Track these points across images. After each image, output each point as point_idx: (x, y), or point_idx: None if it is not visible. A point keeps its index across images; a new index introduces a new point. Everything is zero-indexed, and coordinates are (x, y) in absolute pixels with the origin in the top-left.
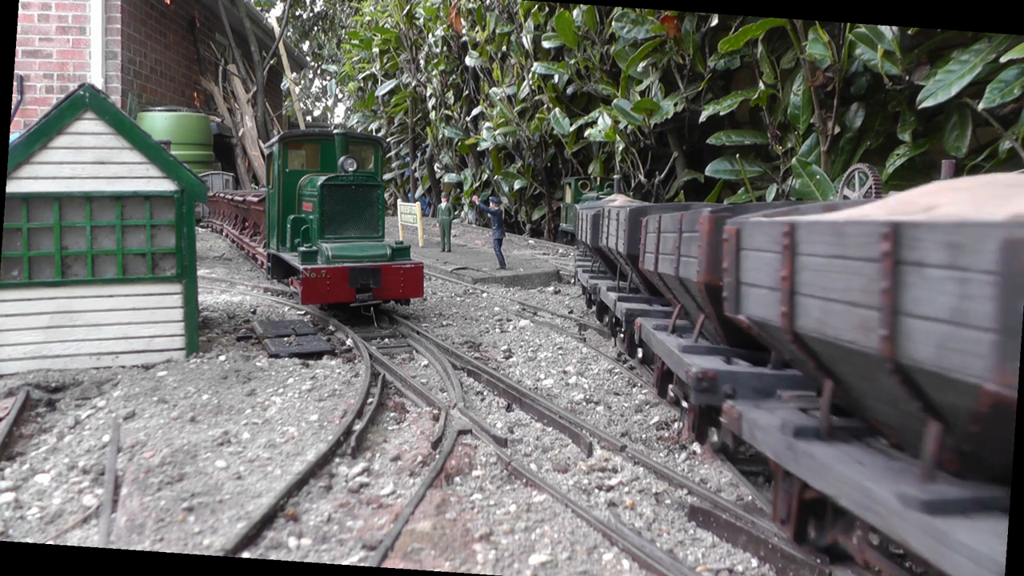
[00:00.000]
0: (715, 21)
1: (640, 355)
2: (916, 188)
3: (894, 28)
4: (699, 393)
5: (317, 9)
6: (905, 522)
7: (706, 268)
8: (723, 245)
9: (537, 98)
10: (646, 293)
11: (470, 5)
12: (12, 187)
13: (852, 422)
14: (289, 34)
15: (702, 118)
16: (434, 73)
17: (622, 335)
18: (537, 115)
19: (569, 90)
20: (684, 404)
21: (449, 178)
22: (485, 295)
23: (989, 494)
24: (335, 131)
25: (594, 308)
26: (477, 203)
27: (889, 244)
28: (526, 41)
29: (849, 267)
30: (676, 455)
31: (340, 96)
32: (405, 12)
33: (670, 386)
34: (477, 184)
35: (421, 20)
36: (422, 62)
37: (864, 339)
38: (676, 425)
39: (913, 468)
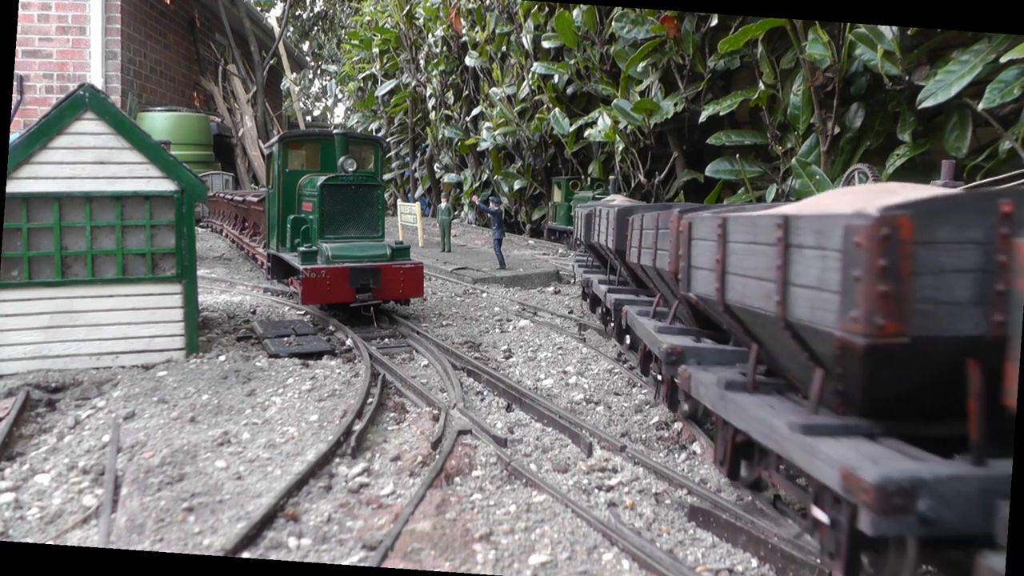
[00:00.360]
0: (715, 21)
1: (628, 341)
2: (823, 192)
3: (894, 28)
4: (669, 366)
5: (317, 9)
6: (790, 443)
7: (674, 258)
8: (680, 236)
9: (537, 98)
10: (633, 285)
11: (470, 5)
12: (12, 187)
13: (774, 379)
14: (289, 34)
15: (702, 118)
16: (434, 73)
17: (613, 324)
18: (537, 115)
19: (569, 90)
20: (659, 377)
21: (449, 178)
22: (485, 295)
23: (855, 423)
24: (335, 131)
25: (588, 300)
26: (477, 203)
27: (782, 232)
28: (526, 41)
29: (758, 250)
30: (676, 455)
31: (340, 96)
32: (405, 12)
33: (651, 364)
34: (477, 184)
35: (421, 20)
36: (422, 62)
37: (768, 305)
38: (676, 425)
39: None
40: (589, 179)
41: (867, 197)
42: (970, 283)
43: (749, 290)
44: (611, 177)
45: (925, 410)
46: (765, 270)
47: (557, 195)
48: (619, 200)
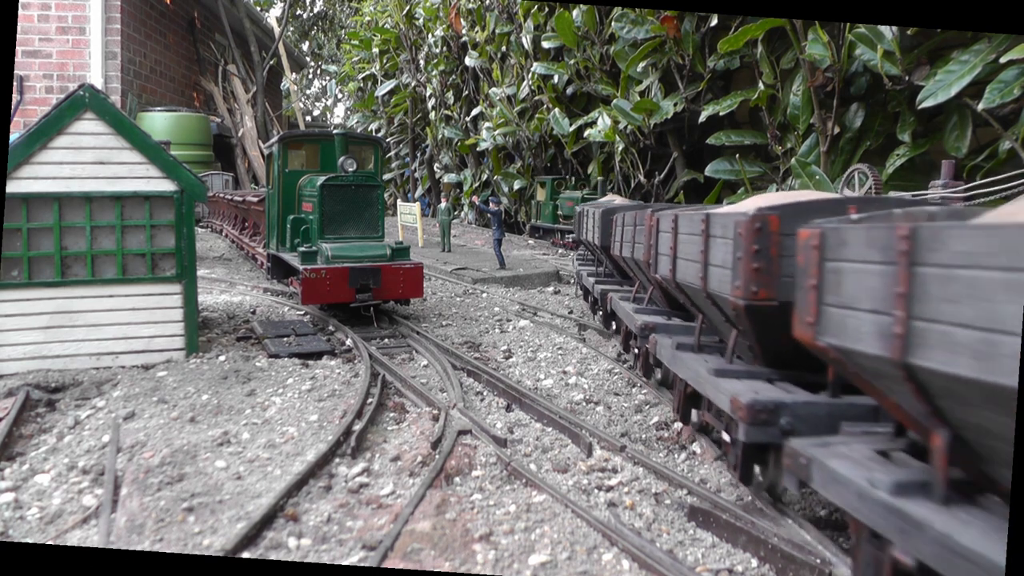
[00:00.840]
0: (715, 21)
1: (614, 327)
2: (751, 197)
3: (894, 28)
4: (642, 339)
5: (317, 9)
6: (708, 383)
7: (647, 249)
8: (650, 230)
9: (537, 98)
10: (618, 276)
11: (470, 5)
12: (12, 187)
13: (717, 343)
14: (289, 33)
15: (702, 118)
16: (434, 73)
17: (600, 312)
18: (537, 115)
19: (569, 90)
20: (636, 351)
21: (449, 178)
22: (485, 295)
23: (758, 370)
24: (335, 131)
25: (582, 292)
26: (477, 203)
27: (704, 225)
28: (526, 41)
29: (693, 240)
30: (676, 455)
31: (340, 96)
32: (405, 12)
33: (631, 342)
34: (477, 184)
35: (421, 20)
36: (422, 62)
37: (697, 282)
38: (676, 426)
39: (736, 363)
40: (574, 179)
41: (766, 200)
42: None
43: (689, 270)
44: (599, 178)
45: (808, 361)
46: (696, 254)
47: (541, 194)
48: (618, 201)
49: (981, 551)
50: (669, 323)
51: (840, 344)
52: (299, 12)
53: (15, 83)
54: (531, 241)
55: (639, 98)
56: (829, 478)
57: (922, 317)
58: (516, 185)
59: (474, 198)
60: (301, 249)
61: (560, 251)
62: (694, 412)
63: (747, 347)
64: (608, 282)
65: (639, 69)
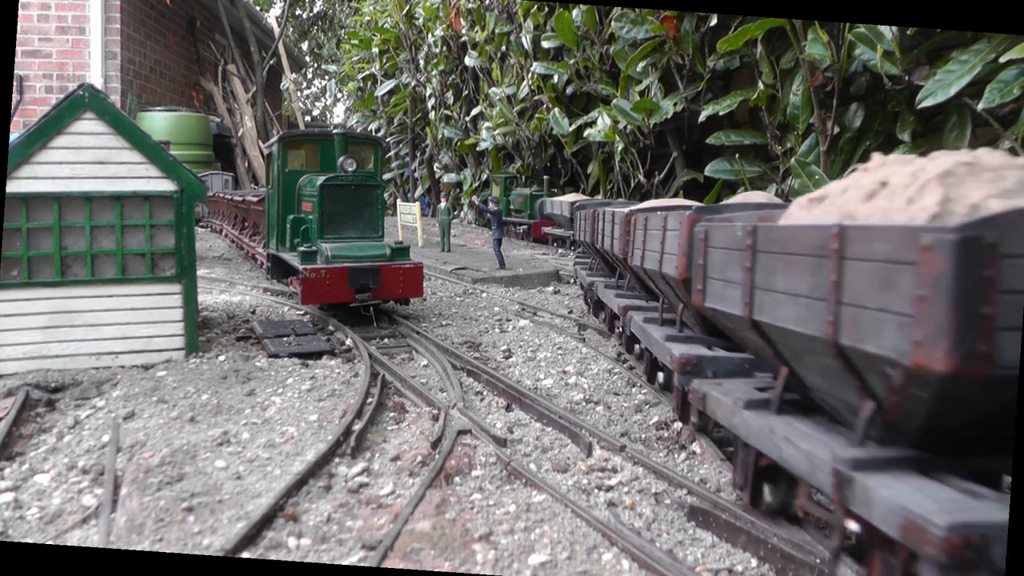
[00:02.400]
0: (714, 21)
1: (593, 301)
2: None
3: (894, 28)
4: (621, 319)
5: (316, 9)
6: (658, 346)
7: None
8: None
9: (537, 98)
10: (606, 270)
11: (470, 5)
12: (12, 187)
13: (674, 316)
14: (289, 33)
15: (701, 118)
16: (434, 73)
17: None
18: (537, 115)
19: (568, 90)
20: (618, 330)
21: (449, 178)
22: (485, 295)
23: (697, 335)
24: (334, 131)
25: (577, 280)
26: (477, 203)
27: (644, 220)
28: (525, 41)
29: (651, 232)
30: (675, 455)
31: (340, 96)
32: (405, 12)
33: (615, 322)
34: (477, 184)
35: (421, 20)
36: (422, 62)
37: (656, 267)
38: (676, 425)
39: (684, 330)
40: (524, 177)
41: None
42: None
43: (649, 257)
44: (546, 177)
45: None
46: (655, 244)
47: (495, 191)
48: (573, 197)
49: (789, 437)
50: (639, 303)
51: (717, 307)
52: (299, 12)
53: (15, 83)
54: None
55: (639, 98)
56: (714, 403)
57: (760, 287)
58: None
59: (474, 198)
60: (301, 249)
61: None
62: (660, 374)
63: (693, 320)
64: (595, 274)
65: (639, 69)
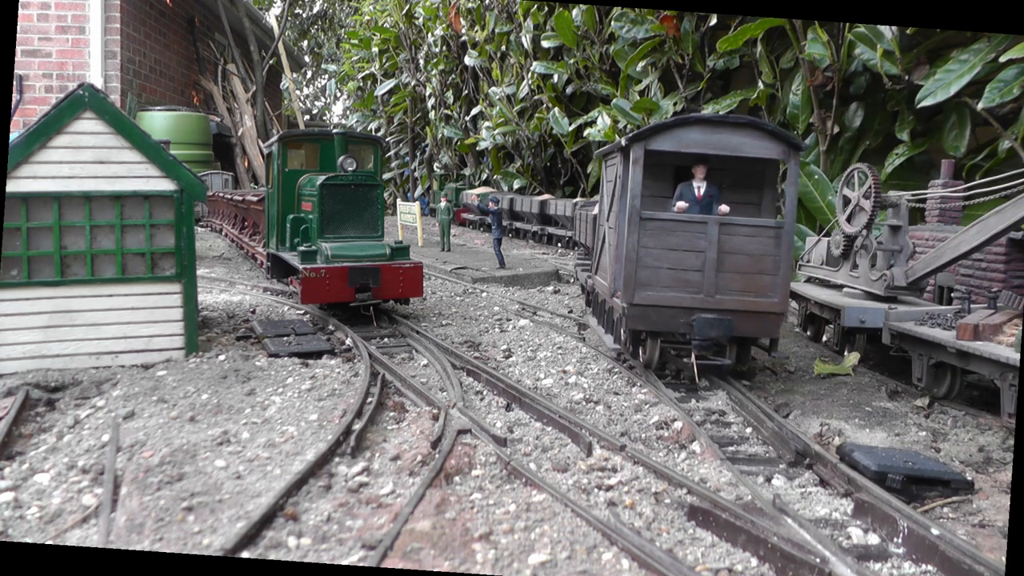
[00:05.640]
0: (714, 21)
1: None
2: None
3: (893, 28)
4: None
5: (316, 8)
6: (576, 266)
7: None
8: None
9: (536, 98)
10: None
11: (469, 5)
12: (11, 187)
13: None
14: (288, 32)
15: None
16: (433, 73)
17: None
18: (536, 115)
19: (568, 90)
20: (584, 289)
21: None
22: (484, 295)
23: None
24: (334, 131)
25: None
26: (476, 203)
27: (596, 212)
28: (525, 41)
29: (588, 218)
30: (675, 455)
31: (339, 95)
32: (404, 12)
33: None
34: (477, 183)
35: (420, 20)
36: (421, 62)
37: (591, 242)
38: (676, 425)
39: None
40: (455, 175)
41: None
42: None
43: (584, 237)
44: (466, 171)
45: None
46: (590, 228)
47: (435, 186)
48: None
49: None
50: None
51: (580, 240)
52: (298, 11)
53: (15, 82)
54: (530, 240)
55: (639, 97)
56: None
57: (582, 231)
58: (516, 184)
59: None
60: (301, 248)
61: (573, 254)
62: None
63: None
64: (583, 263)
65: (639, 68)
